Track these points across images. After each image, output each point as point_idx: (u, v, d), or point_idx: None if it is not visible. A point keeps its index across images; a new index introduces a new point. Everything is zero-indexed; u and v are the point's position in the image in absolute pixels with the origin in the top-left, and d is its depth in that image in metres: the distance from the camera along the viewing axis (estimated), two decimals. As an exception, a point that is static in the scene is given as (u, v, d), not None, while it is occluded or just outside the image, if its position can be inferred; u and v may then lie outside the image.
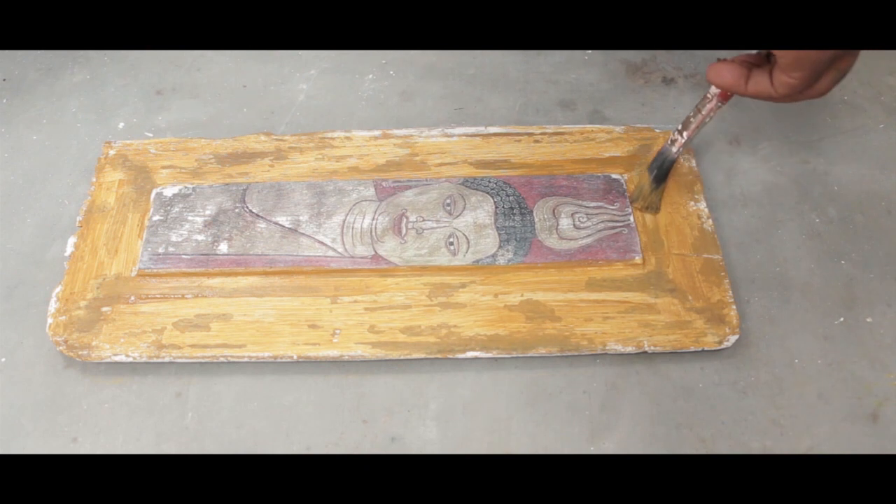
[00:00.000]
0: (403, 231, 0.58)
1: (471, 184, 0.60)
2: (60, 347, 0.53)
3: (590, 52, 0.72)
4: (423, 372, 0.53)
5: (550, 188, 0.60)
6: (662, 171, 0.58)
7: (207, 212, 0.59)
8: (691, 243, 0.57)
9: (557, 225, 0.58)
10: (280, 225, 0.58)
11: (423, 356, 0.53)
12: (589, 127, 0.64)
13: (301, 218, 0.59)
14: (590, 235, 0.57)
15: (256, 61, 0.72)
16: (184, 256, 0.57)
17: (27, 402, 0.52)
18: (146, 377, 0.53)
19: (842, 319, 0.55)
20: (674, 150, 0.57)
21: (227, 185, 0.61)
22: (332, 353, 0.53)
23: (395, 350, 0.53)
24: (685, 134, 0.56)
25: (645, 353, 0.53)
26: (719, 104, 0.53)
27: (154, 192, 0.60)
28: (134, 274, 0.56)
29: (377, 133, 0.64)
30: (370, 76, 0.71)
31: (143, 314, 0.54)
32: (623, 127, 0.64)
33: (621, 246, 0.57)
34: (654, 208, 0.59)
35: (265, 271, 0.56)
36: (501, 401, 0.52)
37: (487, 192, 0.60)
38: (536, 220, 0.58)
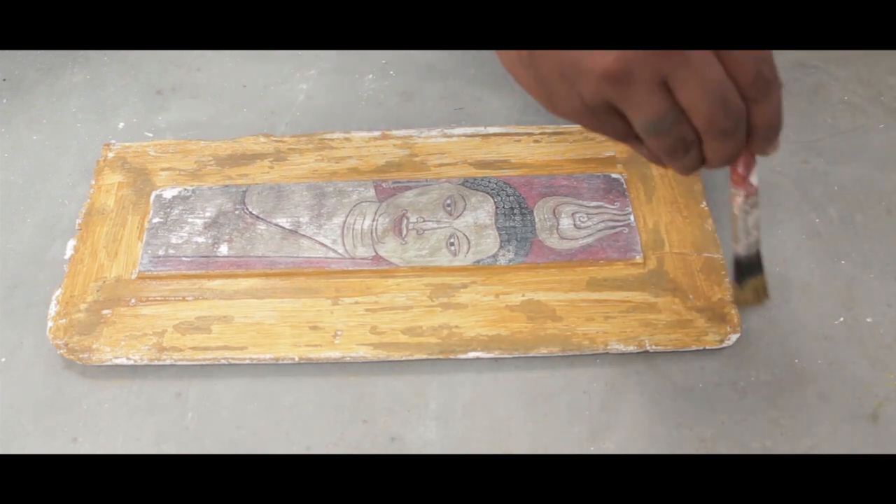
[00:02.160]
0: (404, 232, 0.58)
1: (471, 184, 0.60)
2: (61, 351, 0.53)
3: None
4: (423, 372, 0.53)
5: (550, 188, 0.60)
6: (740, 269, 0.48)
7: (207, 214, 0.59)
8: (692, 242, 0.57)
9: (558, 225, 0.58)
10: (280, 226, 0.58)
11: (424, 357, 0.53)
12: (589, 127, 0.64)
13: (301, 219, 0.59)
14: (590, 235, 0.57)
15: (256, 61, 0.72)
16: (184, 258, 0.57)
17: (27, 403, 0.52)
18: (146, 378, 0.53)
19: (842, 319, 0.55)
20: (738, 249, 0.48)
21: (226, 186, 0.61)
22: (334, 354, 0.53)
23: (396, 351, 0.53)
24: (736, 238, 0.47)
25: (645, 352, 0.53)
26: (736, 191, 0.44)
27: (153, 194, 0.60)
28: (134, 276, 0.56)
29: (377, 134, 0.64)
30: (370, 76, 0.71)
31: (144, 317, 0.54)
32: (623, 127, 0.64)
33: (622, 245, 0.57)
34: (760, 297, 0.49)
35: (266, 273, 0.56)
36: (501, 401, 0.52)
37: (487, 193, 0.60)
38: (537, 220, 0.58)
